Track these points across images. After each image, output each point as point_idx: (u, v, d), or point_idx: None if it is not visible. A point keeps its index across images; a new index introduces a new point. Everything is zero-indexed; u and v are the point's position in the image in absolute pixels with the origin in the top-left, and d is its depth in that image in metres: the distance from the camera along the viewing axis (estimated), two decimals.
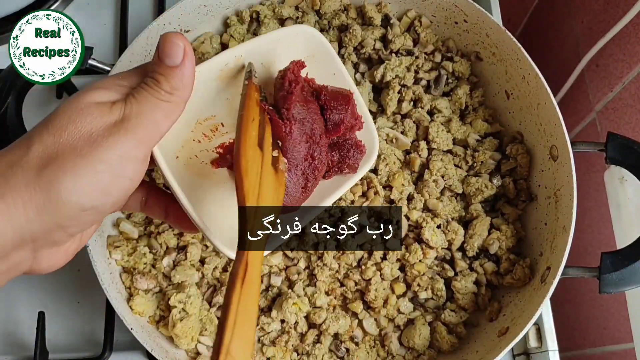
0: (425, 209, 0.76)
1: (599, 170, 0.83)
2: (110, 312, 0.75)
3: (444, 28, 0.81)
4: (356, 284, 0.73)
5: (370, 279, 0.72)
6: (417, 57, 0.81)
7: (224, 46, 0.81)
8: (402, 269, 0.74)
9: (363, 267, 0.73)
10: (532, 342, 0.75)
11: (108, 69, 0.71)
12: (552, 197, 0.72)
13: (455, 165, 0.77)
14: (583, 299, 0.94)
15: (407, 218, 0.75)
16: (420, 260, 0.73)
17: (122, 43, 0.90)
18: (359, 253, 0.74)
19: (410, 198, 0.76)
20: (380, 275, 0.73)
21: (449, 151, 0.78)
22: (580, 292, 0.94)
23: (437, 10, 0.80)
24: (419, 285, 0.72)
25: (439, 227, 0.74)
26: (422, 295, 0.73)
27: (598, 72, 0.86)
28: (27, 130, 0.66)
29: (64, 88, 0.87)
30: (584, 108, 0.90)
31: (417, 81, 0.81)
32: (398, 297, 0.73)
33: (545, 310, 0.74)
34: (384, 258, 0.74)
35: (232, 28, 0.81)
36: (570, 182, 0.67)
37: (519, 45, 0.73)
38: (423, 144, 0.77)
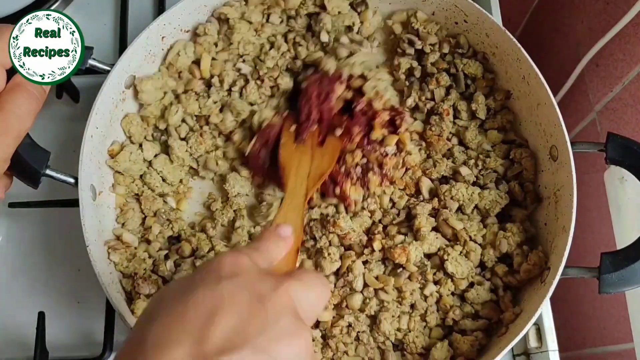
0: (447, 233, 0.73)
1: (599, 170, 0.83)
2: (110, 312, 0.75)
3: (443, 29, 0.81)
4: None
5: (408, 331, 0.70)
6: (426, 52, 0.80)
7: (197, 61, 0.80)
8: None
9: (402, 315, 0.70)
10: (532, 342, 0.75)
11: (108, 68, 0.71)
12: (552, 197, 0.72)
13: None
14: (583, 299, 0.94)
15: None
16: (452, 293, 0.71)
17: (122, 43, 0.90)
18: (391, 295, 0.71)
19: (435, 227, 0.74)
20: (425, 324, 0.71)
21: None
22: (580, 292, 0.94)
23: (438, 10, 0.79)
24: (453, 320, 0.70)
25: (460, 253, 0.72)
26: (458, 326, 0.70)
27: (598, 72, 0.86)
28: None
29: (64, 88, 0.87)
30: (584, 108, 0.90)
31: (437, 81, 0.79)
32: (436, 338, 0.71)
33: (545, 310, 0.74)
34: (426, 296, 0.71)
35: (201, 38, 0.79)
36: (570, 183, 0.67)
37: (519, 45, 0.73)
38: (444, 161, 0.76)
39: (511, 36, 0.73)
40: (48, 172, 0.66)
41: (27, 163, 0.64)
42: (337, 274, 0.73)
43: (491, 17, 0.75)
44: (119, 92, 0.75)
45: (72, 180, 0.68)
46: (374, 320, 0.71)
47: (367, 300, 0.71)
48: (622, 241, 0.77)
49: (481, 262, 0.72)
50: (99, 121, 0.71)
